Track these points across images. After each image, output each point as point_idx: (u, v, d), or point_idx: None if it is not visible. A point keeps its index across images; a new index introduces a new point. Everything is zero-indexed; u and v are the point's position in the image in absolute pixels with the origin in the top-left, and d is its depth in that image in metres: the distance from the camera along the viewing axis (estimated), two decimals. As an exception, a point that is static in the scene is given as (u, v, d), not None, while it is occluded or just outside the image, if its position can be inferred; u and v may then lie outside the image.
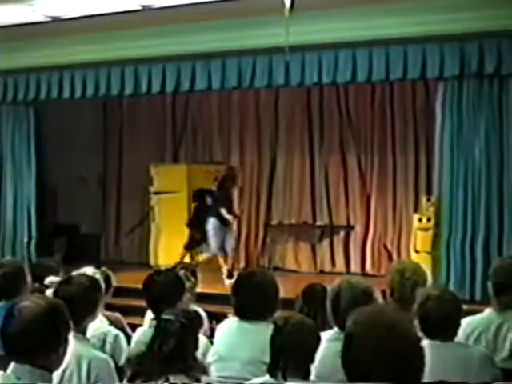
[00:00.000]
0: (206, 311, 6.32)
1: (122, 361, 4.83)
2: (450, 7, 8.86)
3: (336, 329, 4.48)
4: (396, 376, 2.60)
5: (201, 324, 4.47)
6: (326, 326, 4.71)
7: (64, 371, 3.69)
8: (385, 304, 4.38)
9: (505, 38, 8.89)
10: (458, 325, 4.39)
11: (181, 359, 4.03)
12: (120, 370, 4.54)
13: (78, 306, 3.94)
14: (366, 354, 2.65)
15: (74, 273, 5.25)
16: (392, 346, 2.62)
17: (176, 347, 4.02)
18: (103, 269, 5.82)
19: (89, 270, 5.44)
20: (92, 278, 4.86)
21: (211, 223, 11.51)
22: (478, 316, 5.05)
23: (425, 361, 2.70)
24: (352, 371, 2.70)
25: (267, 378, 3.95)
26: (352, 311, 4.28)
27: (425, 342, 4.17)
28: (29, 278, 5.69)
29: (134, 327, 5.69)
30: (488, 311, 5.02)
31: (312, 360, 3.96)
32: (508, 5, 8.59)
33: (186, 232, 12.76)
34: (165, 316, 4.22)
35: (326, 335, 4.47)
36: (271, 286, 4.95)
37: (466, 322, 4.78)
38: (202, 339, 5.16)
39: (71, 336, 3.47)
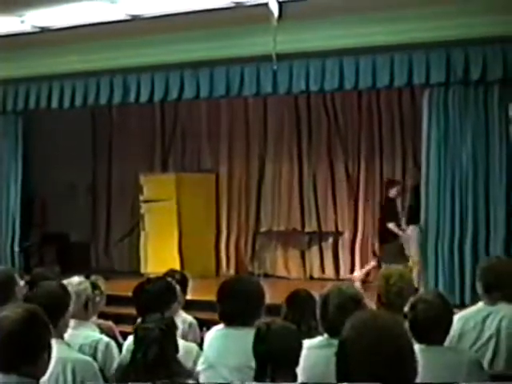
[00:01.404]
0: (197, 318, 6.33)
1: (114, 367, 4.84)
2: (435, 15, 8.91)
3: (325, 335, 4.49)
4: (387, 379, 2.63)
5: (176, 328, 4.48)
6: (311, 332, 4.73)
7: (50, 376, 3.68)
8: (380, 310, 4.39)
9: (489, 45, 8.95)
10: (447, 329, 4.41)
11: (165, 365, 4.06)
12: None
13: (48, 309, 3.91)
14: (358, 358, 2.67)
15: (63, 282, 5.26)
16: (383, 349, 2.64)
17: (159, 353, 4.05)
18: (93, 277, 5.82)
19: (76, 280, 5.43)
20: (60, 284, 4.86)
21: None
22: (470, 308, 5.22)
23: (417, 365, 2.73)
24: (345, 375, 2.73)
25: (254, 383, 3.97)
26: (340, 317, 4.33)
27: (415, 346, 4.21)
28: (19, 287, 5.68)
29: (125, 335, 5.68)
30: (479, 304, 5.13)
31: (297, 363, 3.98)
32: (492, 13, 8.64)
33: (176, 240, 12.79)
34: (144, 325, 4.24)
35: (314, 342, 4.48)
36: (256, 292, 4.95)
37: (457, 316, 4.88)
38: (194, 347, 5.19)
39: (53, 341, 3.48)
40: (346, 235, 12.89)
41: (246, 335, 4.17)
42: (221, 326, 4.95)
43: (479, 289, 5.16)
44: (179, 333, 5.41)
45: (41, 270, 7.20)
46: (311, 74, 9.94)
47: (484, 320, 4.99)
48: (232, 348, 4.66)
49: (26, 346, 3.27)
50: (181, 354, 4.50)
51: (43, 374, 3.40)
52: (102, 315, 6.07)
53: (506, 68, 8.92)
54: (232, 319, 4.82)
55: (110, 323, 6.07)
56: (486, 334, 4.94)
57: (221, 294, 4.97)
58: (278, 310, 5.33)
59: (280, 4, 6.64)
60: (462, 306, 8.39)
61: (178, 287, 5.76)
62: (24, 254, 12.27)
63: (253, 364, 4.00)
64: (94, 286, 5.60)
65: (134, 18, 9.90)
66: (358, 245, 12.73)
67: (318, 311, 4.53)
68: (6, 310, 3.38)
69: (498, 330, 4.92)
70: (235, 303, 4.81)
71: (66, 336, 4.64)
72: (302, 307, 5.20)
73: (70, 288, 5.15)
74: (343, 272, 12.75)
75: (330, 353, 4.29)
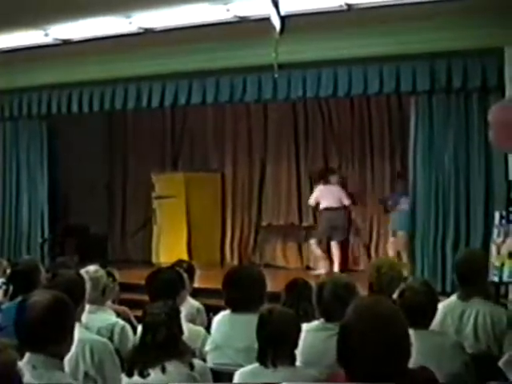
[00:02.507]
0: (204, 304, 6.33)
1: (128, 348, 4.84)
2: (420, 29, 8.90)
3: (321, 319, 4.49)
4: (382, 361, 2.63)
5: (179, 312, 4.48)
6: (309, 317, 4.73)
7: (70, 356, 3.70)
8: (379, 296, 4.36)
9: (470, 57, 8.96)
10: (432, 314, 4.40)
11: (173, 345, 4.08)
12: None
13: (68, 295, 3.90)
14: (356, 340, 2.68)
15: (82, 270, 5.26)
16: (379, 334, 2.65)
17: (167, 335, 4.06)
18: (108, 268, 5.80)
19: (92, 268, 5.44)
20: (78, 273, 4.87)
21: None
22: (445, 302, 5.14)
23: (411, 349, 2.73)
24: (344, 355, 2.73)
25: (257, 365, 3.97)
26: (334, 303, 4.34)
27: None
28: (43, 275, 5.70)
29: (138, 319, 5.68)
30: (453, 298, 5.09)
31: (296, 346, 3.99)
32: (472, 27, 8.65)
33: (185, 233, 12.80)
34: (150, 310, 4.26)
35: (311, 326, 4.49)
36: (258, 280, 4.98)
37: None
38: (201, 330, 5.20)
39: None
40: (340, 229, 12.87)
41: (251, 320, 4.18)
42: (227, 311, 4.97)
43: (455, 281, 5.14)
44: (188, 317, 5.44)
45: (62, 259, 7.21)
46: (308, 82, 9.94)
47: (461, 317, 4.93)
48: (238, 331, 4.68)
49: (54, 329, 3.30)
50: (189, 337, 4.52)
51: (67, 353, 3.44)
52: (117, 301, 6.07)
53: (485, 77, 8.92)
54: (237, 305, 4.84)
55: (124, 308, 6.07)
56: (465, 331, 4.89)
57: (227, 282, 4.99)
58: (278, 297, 5.34)
59: (282, 19, 6.60)
60: (444, 293, 8.46)
61: (186, 276, 5.77)
62: (48, 244, 12.31)
63: (256, 346, 4.01)
64: (109, 274, 5.60)
65: (147, 32, 9.88)
66: (351, 237, 12.72)
67: (314, 298, 4.53)
68: (36, 295, 3.40)
69: (475, 328, 4.87)
70: (240, 291, 4.84)
71: (85, 319, 4.66)
72: (300, 294, 5.22)
73: (87, 275, 5.17)
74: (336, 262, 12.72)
75: (325, 335, 4.36)
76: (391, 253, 11.31)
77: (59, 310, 3.33)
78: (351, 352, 2.69)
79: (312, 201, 12.17)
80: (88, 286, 5.00)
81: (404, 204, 11.02)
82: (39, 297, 3.37)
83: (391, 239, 11.51)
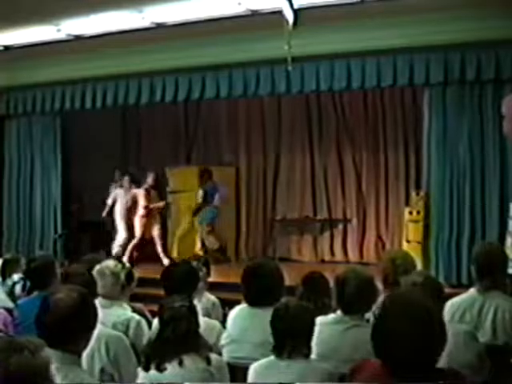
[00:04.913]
0: (219, 298, 6.35)
1: (144, 342, 4.87)
2: (434, 21, 8.89)
3: (339, 312, 4.50)
4: (409, 356, 2.66)
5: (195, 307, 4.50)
6: (326, 310, 4.74)
7: (87, 352, 3.72)
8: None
9: (484, 48, 8.94)
10: (440, 307, 4.37)
11: (191, 339, 4.09)
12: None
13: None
14: (386, 335, 2.70)
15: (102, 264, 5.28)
16: (417, 329, 2.67)
17: (188, 328, 4.08)
18: (127, 266, 5.80)
19: (111, 262, 5.45)
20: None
21: None
22: (463, 295, 5.06)
23: (442, 345, 2.74)
24: (377, 348, 2.75)
25: (271, 358, 3.99)
26: (357, 296, 4.37)
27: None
28: (58, 271, 5.74)
29: (153, 314, 5.70)
30: (472, 291, 5.03)
31: (310, 339, 4.00)
32: (486, 19, 8.62)
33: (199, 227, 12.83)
34: (169, 305, 4.28)
35: (328, 318, 4.50)
36: (276, 275, 4.98)
37: (451, 302, 4.81)
38: (216, 324, 5.22)
39: None
40: (354, 222, 12.89)
41: (268, 314, 4.19)
42: (244, 305, 4.97)
43: (473, 273, 5.09)
44: (203, 311, 5.47)
45: (93, 254, 7.21)
46: (321, 75, 9.95)
47: (480, 312, 4.88)
48: (255, 325, 4.69)
49: (77, 327, 3.31)
50: (205, 331, 4.53)
51: (84, 349, 3.43)
52: (133, 296, 6.09)
53: (499, 69, 8.90)
54: (256, 300, 4.86)
55: (140, 305, 6.07)
56: (484, 328, 4.83)
57: (246, 276, 5.00)
58: (292, 290, 5.35)
59: (295, 12, 6.61)
60: (460, 285, 8.47)
61: (203, 269, 5.79)
62: (62, 240, 12.37)
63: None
64: (129, 273, 5.61)
65: (159, 26, 9.92)
66: (366, 230, 12.74)
67: (334, 292, 4.54)
68: (60, 292, 3.40)
69: (494, 325, 4.82)
70: (260, 285, 4.85)
71: (101, 314, 4.67)
72: (317, 287, 5.24)
73: (108, 270, 5.19)
74: (351, 255, 12.76)
75: (342, 328, 4.40)
76: (199, 244, 12.31)
77: (84, 309, 3.34)
78: (388, 342, 2.70)
79: (109, 201, 12.81)
80: (109, 280, 5.07)
81: (217, 200, 12.33)
82: (64, 294, 3.38)
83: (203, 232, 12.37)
